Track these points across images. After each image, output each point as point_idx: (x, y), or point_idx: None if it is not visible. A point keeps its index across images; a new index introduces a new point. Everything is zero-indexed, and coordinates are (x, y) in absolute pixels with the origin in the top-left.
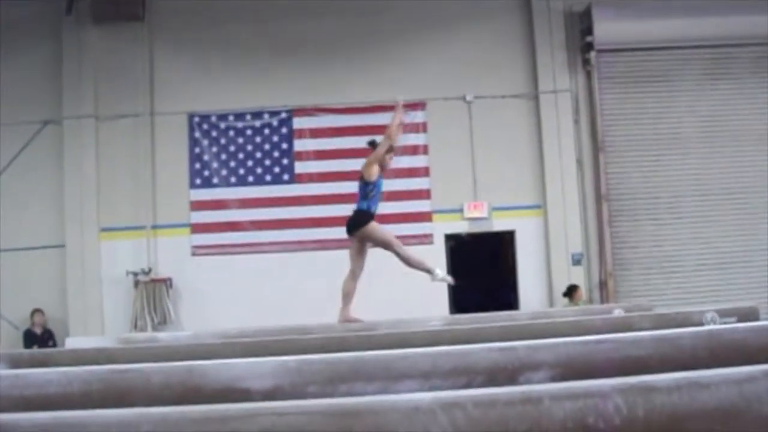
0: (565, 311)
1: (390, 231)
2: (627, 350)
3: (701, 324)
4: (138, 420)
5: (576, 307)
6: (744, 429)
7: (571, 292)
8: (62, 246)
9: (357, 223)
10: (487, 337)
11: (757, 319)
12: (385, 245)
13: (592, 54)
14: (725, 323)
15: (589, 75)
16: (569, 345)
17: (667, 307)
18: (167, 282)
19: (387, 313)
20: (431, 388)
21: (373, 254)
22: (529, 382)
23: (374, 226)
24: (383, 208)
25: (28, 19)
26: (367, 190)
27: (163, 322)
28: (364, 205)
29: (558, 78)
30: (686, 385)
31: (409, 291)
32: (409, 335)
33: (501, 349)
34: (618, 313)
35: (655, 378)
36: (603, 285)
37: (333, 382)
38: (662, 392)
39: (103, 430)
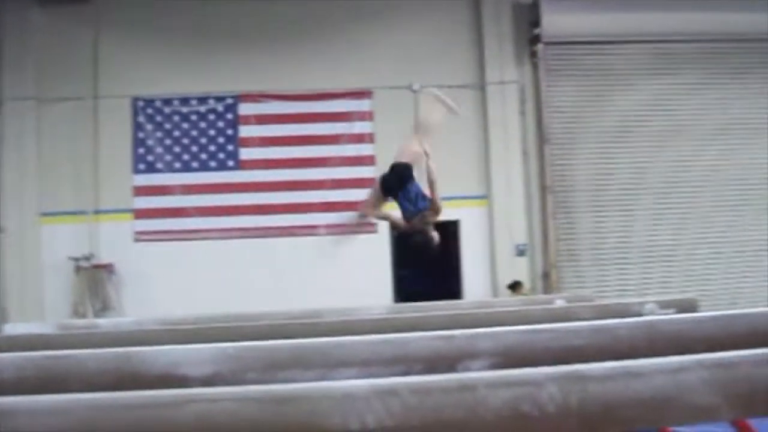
0: (507, 301)
1: None
2: (565, 340)
3: (641, 315)
4: (69, 406)
5: (518, 297)
6: (676, 417)
7: (515, 287)
8: (0, 230)
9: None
10: (429, 325)
11: (695, 310)
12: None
13: (540, 46)
14: (664, 314)
15: (536, 67)
16: (508, 334)
17: (610, 299)
18: (109, 268)
19: (331, 302)
20: (370, 376)
21: (316, 243)
22: (468, 370)
23: None
24: (328, 196)
25: None
26: None
27: (104, 308)
28: None
29: (505, 69)
30: (620, 374)
31: (353, 280)
32: (351, 323)
33: (440, 338)
34: (560, 303)
35: (589, 367)
36: (546, 276)
37: (272, 369)
38: (596, 381)
39: (33, 416)
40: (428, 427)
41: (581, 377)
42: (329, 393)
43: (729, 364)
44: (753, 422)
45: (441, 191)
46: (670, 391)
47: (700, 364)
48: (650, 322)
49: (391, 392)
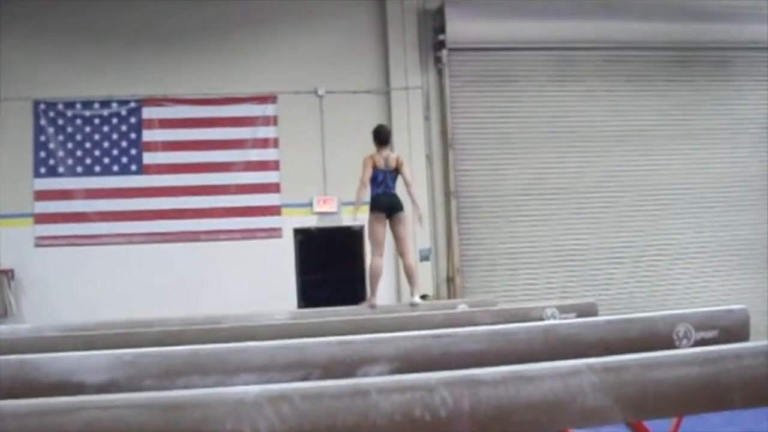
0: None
1: None
2: (464, 345)
3: (542, 319)
4: None
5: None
6: (568, 420)
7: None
8: None
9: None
10: (330, 331)
11: (595, 314)
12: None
13: (444, 52)
14: (564, 318)
15: (440, 73)
16: (407, 339)
17: (513, 303)
18: (8, 274)
19: (235, 307)
20: (268, 382)
21: (220, 249)
22: (367, 375)
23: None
24: (232, 201)
25: None
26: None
27: (3, 314)
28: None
29: (410, 75)
30: (512, 379)
31: (257, 285)
32: (251, 329)
33: (339, 343)
34: (462, 308)
35: (481, 371)
36: (450, 281)
37: (169, 375)
38: (488, 385)
39: None
40: None
41: (474, 381)
42: (221, 399)
43: (618, 368)
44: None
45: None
46: (562, 395)
47: (591, 368)
48: (547, 326)
49: (283, 398)
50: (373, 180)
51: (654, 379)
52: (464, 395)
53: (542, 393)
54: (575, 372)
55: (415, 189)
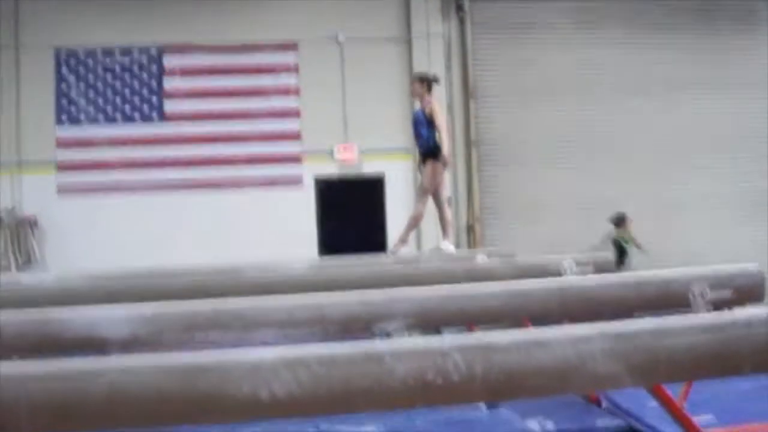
0: (429, 256)
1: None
2: (480, 301)
3: (559, 273)
4: None
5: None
6: (579, 386)
7: (620, 221)
8: None
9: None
10: (349, 282)
11: (611, 268)
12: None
13: (466, 0)
14: (582, 272)
15: (462, 21)
16: (423, 295)
17: (533, 252)
18: (32, 221)
19: (257, 255)
20: (287, 337)
21: (242, 197)
22: (383, 331)
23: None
24: (253, 149)
25: None
26: None
27: (27, 262)
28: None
29: (431, 22)
30: (524, 344)
31: (279, 233)
32: (271, 281)
33: (357, 301)
34: (481, 258)
35: (494, 336)
36: (470, 229)
37: (189, 330)
38: (500, 351)
39: None
40: (336, 397)
41: (486, 347)
42: (238, 363)
43: (630, 334)
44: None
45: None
46: (573, 360)
47: (603, 334)
48: (563, 284)
49: (299, 362)
50: (434, 127)
51: (665, 345)
52: (477, 360)
53: (554, 358)
54: (587, 338)
55: None
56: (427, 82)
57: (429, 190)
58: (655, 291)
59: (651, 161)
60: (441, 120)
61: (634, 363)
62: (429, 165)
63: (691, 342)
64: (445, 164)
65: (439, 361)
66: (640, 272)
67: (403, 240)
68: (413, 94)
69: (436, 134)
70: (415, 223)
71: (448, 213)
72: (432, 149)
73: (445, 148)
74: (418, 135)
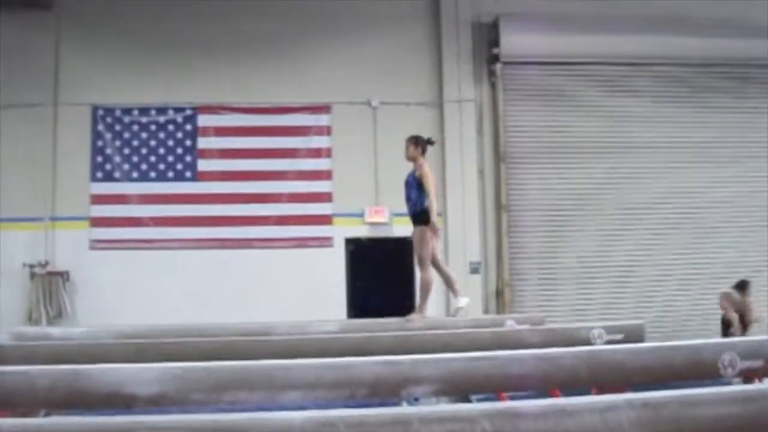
0: (457, 322)
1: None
2: (508, 368)
3: (588, 340)
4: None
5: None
6: None
7: (743, 287)
8: None
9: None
10: (377, 347)
11: (641, 337)
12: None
13: (498, 65)
14: (611, 340)
15: (493, 86)
16: (453, 361)
17: (563, 318)
18: (64, 275)
19: (286, 314)
20: (315, 399)
21: (272, 256)
22: (411, 395)
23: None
24: (284, 209)
25: None
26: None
27: (58, 315)
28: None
29: (463, 87)
30: (552, 412)
31: (308, 293)
32: (300, 343)
33: (385, 363)
34: (510, 324)
35: (522, 404)
36: (499, 294)
37: (217, 390)
38: (528, 418)
39: None
40: None
41: (514, 414)
42: (267, 424)
43: (658, 404)
44: None
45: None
46: (600, 429)
47: (630, 404)
48: (592, 352)
49: (328, 425)
50: (424, 191)
51: (693, 416)
52: (505, 427)
53: (581, 427)
54: (614, 407)
55: None
56: (421, 144)
57: (426, 257)
58: (684, 360)
59: (684, 227)
60: (430, 184)
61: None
62: (417, 231)
63: (720, 413)
64: (434, 231)
65: (467, 428)
66: (671, 342)
67: (421, 311)
68: (406, 157)
69: (426, 199)
70: (426, 291)
71: (448, 270)
72: (419, 214)
73: (433, 214)
74: (408, 198)
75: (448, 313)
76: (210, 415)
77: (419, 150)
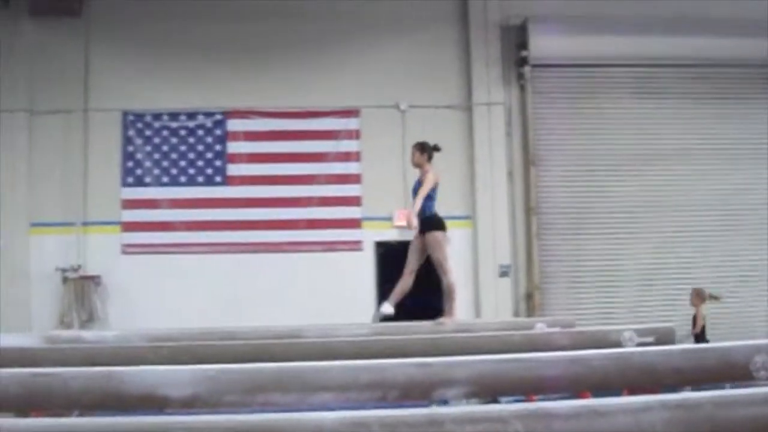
0: (488, 324)
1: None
2: (540, 370)
3: (619, 343)
4: (48, 429)
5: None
6: None
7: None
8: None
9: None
10: (408, 350)
11: (672, 339)
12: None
13: (527, 68)
14: (642, 343)
15: (522, 89)
16: (484, 363)
17: (592, 321)
18: (96, 279)
19: (316, 317)
20: (348, 401)
21: (302, 260)
22: (443, 397)
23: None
24: (314, 213)
25: None
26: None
27: (90, 319)
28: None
29: (492, 90)
30: (585, 413)
31: (338, 296)
32: (331, 345)
33: (417, 365)
34: (540, 327)
35: (555, 405)
36: (529, 297)
37: (251, 392)
38: (561, 419)
39: None
40: None
41: (547, 414)
42: (300, 424)
43: (691, 405)
44: None
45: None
46: (633, 430)
47: (663, 405)
48: (623, 354)
49: (361, 425)
50: (430, 198)
51: (727, 417)
52: (537, 428)
53: (614, 428)
54: (647, 408)
55: None
56: (427, 151)
57: (445, 261)
58: (715, 362)
59: (715, 230)
60: (424, 189)
61: None
62: (431, 237)
63: (755, 414)
64: (409, 226)
65: (499, 428)
66: (701, 344)
67: (450, 314)
68: (412, 163)
69: (432, 205)
70: (451, 295)
71: (409, 282)
72: (424, 220)
73: (413, 213)
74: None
75: (476, 314)
76: (243, 416)
77: (425, 156)
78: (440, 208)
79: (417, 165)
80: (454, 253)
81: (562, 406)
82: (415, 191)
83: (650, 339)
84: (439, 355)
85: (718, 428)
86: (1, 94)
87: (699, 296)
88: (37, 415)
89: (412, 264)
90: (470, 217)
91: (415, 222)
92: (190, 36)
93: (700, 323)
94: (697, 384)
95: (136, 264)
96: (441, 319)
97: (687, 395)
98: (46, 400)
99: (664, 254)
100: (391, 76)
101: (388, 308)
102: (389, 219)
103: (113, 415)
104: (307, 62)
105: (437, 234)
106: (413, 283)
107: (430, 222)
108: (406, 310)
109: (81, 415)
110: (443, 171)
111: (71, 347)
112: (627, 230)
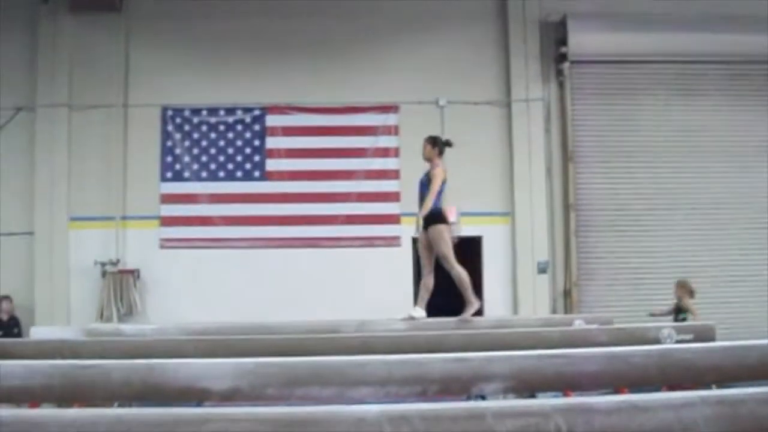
0: (527, 320)
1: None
2: (579, 365)
3: (658, 340)
4: (94, 420)
5: (537, 317)
6: None
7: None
8: (31, 233)
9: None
10: (446, 345)
11: (712, 337)
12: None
13: (566, 64)
14: (681, 340)
15: (561, 85)
16: (523, 358)
17: (630, 318)
18: (135, 273)
19: (354, 313)
20: (386, 395)
21: (340, 255)
22: (481, 392)
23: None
24: (352, 208)
25: (4, 6)
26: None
27: (129, 312)
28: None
29: (531, 86)
30: (626, 408)
31: (375, 292)
32: (370, 340)
33: (456, 360)
34: (579, 324)
35: (596, 399)
36: (567, 294)
37: (290, 385)
38: (602, 413)
39: (61, 430)
40: None
41: (588, 409)
42: (343, 417)
43: (733, 402)
44: None
45: (447, 202)
46: (674, 426)
47: (704, 401)
48: (663, 351)
49: (402, 418)
50: (440, 193)
51: None
52: (578, 422)
53: (655, 423)
54: (689, 404)
55: None
56: (439, 145)
57: (449, 254)
58: (757, 359)
59: (753, 228)
60: (435, 185)
61: (738, 430)
62: (435, 231)
63: None
64: (417, 228)
65: (540, 422)
66: (743, 341)
67: (471, 302)
68: (423, 157)
69: (438, 200)
70: (463, 285)
71: (431, 281)
72: (432, 214)
73: (423, 211)
74: (421, 198)
75: (515, 311)
76: (285, 408)
77: (436, 151)
78: (478, 204)
79: (427, 159)
80: (492, 249)
81: (603, 402)
82: (422, 184)
83: (689, 336)
84: (476, 350)
85: (761, 425)
86: (42, 89)
87: (684, 288)
88: (79, 407)
89: (427, 263)
90: (509, 214)
91: (421, 223)
92: (229, 31)
93: (698, 319)
94: (739, 381)
95: (174, 258)
96: (464, 315)
97: (729, 392)
98: (89, 391)
99: (705, 252)
100: (430, 73)
101: (419, 312)
102: None
103: (153, 406)
104: (347, 58)
105: (440, 227)
106: (440, 280)
107: (432, 216)
108: (443, 307)
109: (121, 406)
110: (482, 167)
111: (111, 340)
112: (665, 227)
